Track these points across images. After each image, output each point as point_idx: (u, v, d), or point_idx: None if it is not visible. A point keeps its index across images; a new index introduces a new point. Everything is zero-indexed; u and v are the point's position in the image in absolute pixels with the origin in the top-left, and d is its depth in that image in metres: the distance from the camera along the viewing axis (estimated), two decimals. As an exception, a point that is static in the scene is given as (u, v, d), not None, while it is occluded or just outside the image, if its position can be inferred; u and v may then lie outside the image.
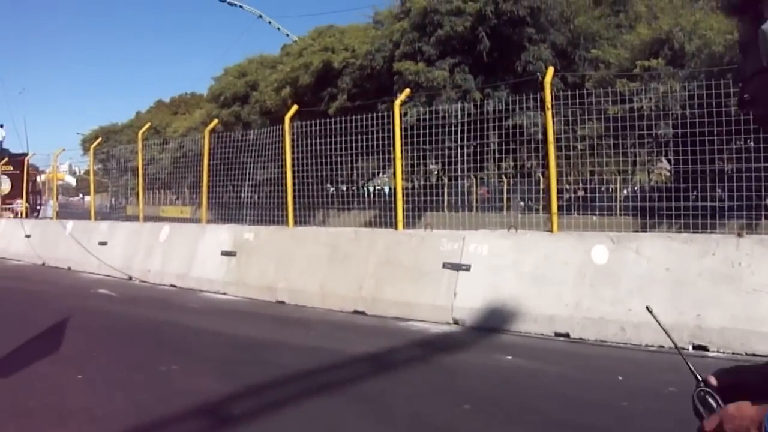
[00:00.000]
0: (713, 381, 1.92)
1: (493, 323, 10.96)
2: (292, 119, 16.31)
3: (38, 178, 44.27)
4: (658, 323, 2.16)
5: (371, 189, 26.57)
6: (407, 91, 15.60)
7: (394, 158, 14.21)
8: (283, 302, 14.22)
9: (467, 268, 11.81)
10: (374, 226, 16.45)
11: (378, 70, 34.34)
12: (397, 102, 14.26)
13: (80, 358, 9.75)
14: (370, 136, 16.23)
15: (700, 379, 1.92)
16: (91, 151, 26.36)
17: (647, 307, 2.27)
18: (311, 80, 36.30)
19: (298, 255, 14.64)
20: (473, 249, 11.96)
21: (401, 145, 14.20)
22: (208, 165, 19.14)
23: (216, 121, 22.09)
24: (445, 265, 12.06)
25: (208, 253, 16.54)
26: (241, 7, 72.19)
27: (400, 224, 13.79)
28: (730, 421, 1.71)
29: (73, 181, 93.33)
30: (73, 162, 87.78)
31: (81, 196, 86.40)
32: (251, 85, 41.62)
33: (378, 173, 26.26)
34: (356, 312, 12.92)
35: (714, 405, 1.83)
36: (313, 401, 7.68)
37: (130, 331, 12.08)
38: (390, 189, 23.32)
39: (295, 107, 16.88)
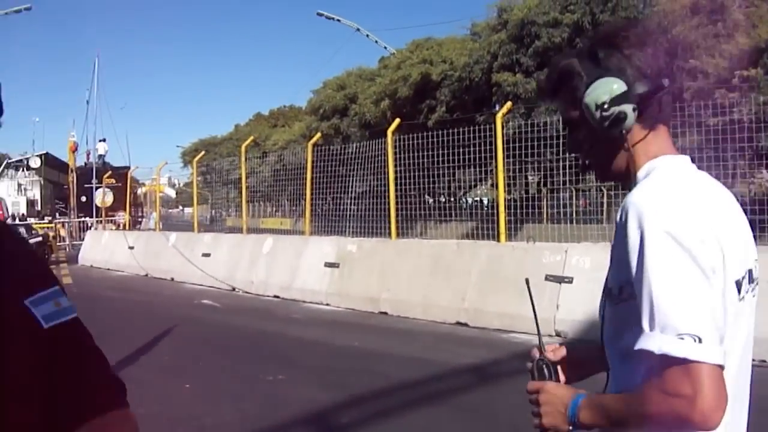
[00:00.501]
0: (551, 355, 2.31)
1: (594, 335, 10.78)
2: (393, 132, 16.46)
3: (139, 191, 45.31)
4: (530, 296, 2.46)
5: (470, 200, 26.52)
6: (509, 104, 15.54)
7: (496, 171, 14.20)
8: (385, 313, 14.32)
9: (569, 280, 11.75)
10: (473, 238, 16.44)
11: (476, 81, 34.14)
12: (499, 115, 14.24)
13: (187, 368, 10.00)
14: (470, 149, 16.23)
15: (544, 351, 2.30)
16: (194, 164, 26.89)
17: (526, 279, 2.62)
18: (410, 92, 36.27)
19: (401, 267, 14.73)
20: (575, 261, 11.91)
21: (503, 158, 14.20)
22: (311, 178, 19.38)
23: (318, 134, 22.33)
24: (547, 278, 12.01)
25: (311, 265, 16.73)
26: (338, 20, 72.71)
27: (503, 236, 13.78)
28: (545, 393, 2.10)
29: (172, 193, 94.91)
30: (172, 174, 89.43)
31: (181, 208, 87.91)
32: (350, 97, 41.71)
33: (476, 185, 26.17)
34: (458, 323, 12.94)
35: (546, 375, 2.22)
36: (418, 411, 7.75)
37: (235, 341, 12.30)
38: (489, 201, 23.26)
39: (397, 121, 16.99)
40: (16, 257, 1.45)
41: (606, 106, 1.97)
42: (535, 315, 2.38)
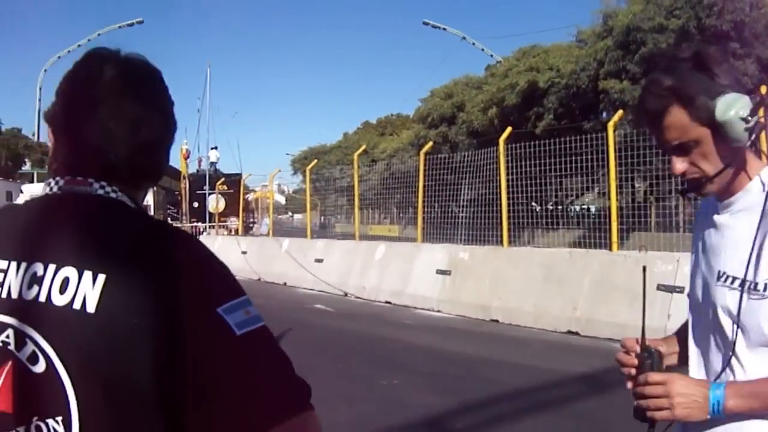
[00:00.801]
0: (663, 348, 2.41)
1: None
2: (504, 141, 16.55)
3: (250, 197, 45.93)
4: (644, 284, 2.55)
5: (577, 208, 26.38)
6: (620, 112, 15.40)
7: (608, 179, 14.17)
8: (496, 321, 14.39)
9: (681, 290, 11.60)
10: (581, 246, 16.38)
11: (583, 89, 33.86)
12: (611, 123, 14.19)
13: (302, 370, 10.13)
14: (579, 158, 16.23)
15: (647, 345, 2.33)
16: (308, 172, 27.19)
17: (643, 267, 2.74)
18: (517, 100, 35.92)
19: (513, 275, 14.79)
20: (687, 271, 11.80)
21: (615, 166, 14.17)
22: (424, 186, 19.65)
23: (430, 143, 22.42)
24: (659, 287, 11.92)
25: (423, 272, 16.89)
26: (444, 29, 72.82)
27: (615, 245, 13.75)
28: (676, 384, 2.14)
29: (282, 199, 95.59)
30: (281, 181, 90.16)
31: (290, 214, 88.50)
32: (458, 105, 41.52)
33: (584, 193, 25.96)
34: (569, 332, 12.96)
35: (655, 365, 2.27)
36: (532, 418, 7.83)
37: (348, 345, 12.51)
38: (596, 208, 23.12)
39: (509, 129, 17.06)
40: (208, 267, 1.59)
41: (749, 118, 2.08)
42: (644, 306, 2.44)
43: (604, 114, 33.83)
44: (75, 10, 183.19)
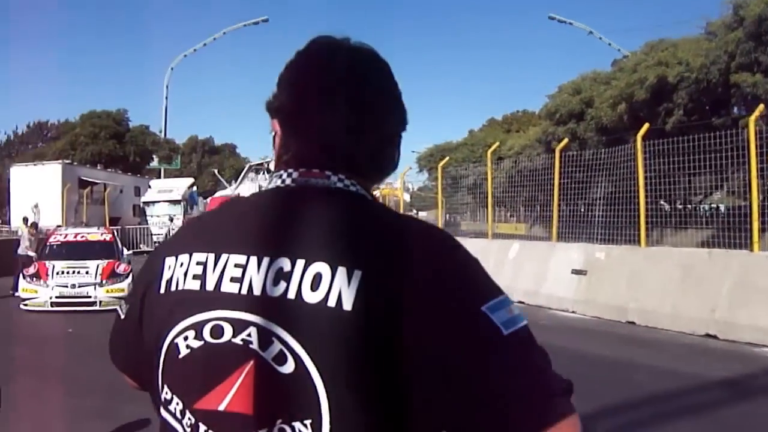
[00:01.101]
0: None
1: None
2: (641, 138, 16.38)
3: (376, 194, 46.57)
4: None
5: (706, 207, 25.87)
6: (761, 107, 14.99)
7: (749, 177, 13.81)
8: (633, 323, 14.23)
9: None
10: (713, 246, 16.04)
11: (713, 83, 33.08)
12: (752, 118, 13.79)
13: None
14: (714, 155, 15.90)
15: None
16: (439, 169, 27.57)
17: None
18: (646, 96, 35.37)
19: (650, 275, 14.57)
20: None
21: (757, 164, 13.83)
22: (559, 183, 19.58)
23: (566, 140, 22.19)
24: (805, 290, 11.71)
25: (558, 272, 16.86)
26: (570, 23, 72.17)
27: (756, 245, 13.41)
28: None
29: (407, 196, 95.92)
30: (406, 179, 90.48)
31: (414, 211, 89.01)
32: (586, 101, 41.09)
33: (713, 191, 25.40)
34: (707, 335, 12.73)
35: None
36: (673, 424, 7.79)
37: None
38: (726, 207, 22.62)
39: (646, 126, 16.89)
40: (466, 264, 1.49)
41: None
42: None
43: (735, 109, 33.12)
44: (201, 9, 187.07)
